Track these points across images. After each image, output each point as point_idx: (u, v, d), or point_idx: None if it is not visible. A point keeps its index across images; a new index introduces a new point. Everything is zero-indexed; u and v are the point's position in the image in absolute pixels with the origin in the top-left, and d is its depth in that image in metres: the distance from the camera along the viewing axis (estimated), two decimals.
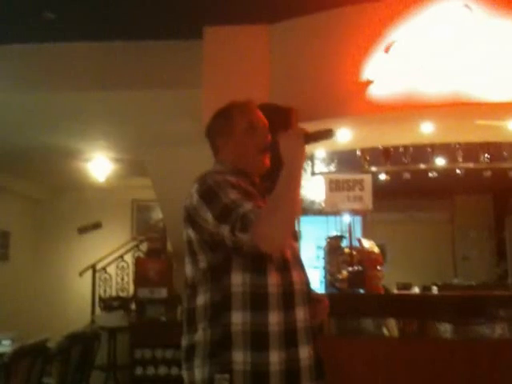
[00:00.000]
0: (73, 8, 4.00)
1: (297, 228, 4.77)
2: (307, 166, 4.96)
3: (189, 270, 1.69)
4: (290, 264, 1.67)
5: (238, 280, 1.58)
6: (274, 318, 1.57)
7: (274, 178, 1.66)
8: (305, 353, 1.62)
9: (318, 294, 1.87)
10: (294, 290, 1.64)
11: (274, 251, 1.59)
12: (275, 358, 1.55)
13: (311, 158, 5.04)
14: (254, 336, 1.55)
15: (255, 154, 1.78)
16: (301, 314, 1.64)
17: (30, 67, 4.56)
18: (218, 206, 1.57)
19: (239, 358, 1.53)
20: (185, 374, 1.64)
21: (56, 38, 4.38)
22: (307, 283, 1.73)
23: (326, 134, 1.70)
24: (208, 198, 1.61)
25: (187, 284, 1.69)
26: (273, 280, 1.60)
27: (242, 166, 1.77)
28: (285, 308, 1.61)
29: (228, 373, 1.52)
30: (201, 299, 1.62)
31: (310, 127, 3.85)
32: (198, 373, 1.58)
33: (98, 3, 3.96)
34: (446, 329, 3.71)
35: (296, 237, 1.86)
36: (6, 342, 4.97)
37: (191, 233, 1.66)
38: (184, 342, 1.66)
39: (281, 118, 3.57)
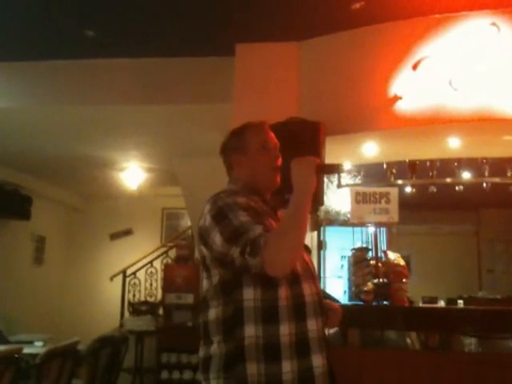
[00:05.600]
0: (111, 26, 4.15)
1: (321, 238, 4.85)
2: (333, 178, 5.00)
3: (204, 284, 1.76)
4: (301, 277, 1.71)
5: (249, 295, 1.64)
6: (285, 330, 1.62)
7: (284, 193, 1.76)
8: (318, 361, 1.66)
9: (330, 303, 1.95)
10: (304, 302, 1.69)
11: (281, 275, 1.62)
12: (288, 367, 1.60)
13: None
14: (267, 348, 1.60)
15: (267, 171, 1.86)
16: (313, 324, 1.69)
17: (70, 82, 4.72)
18: (227, 229, 1.63)
19: (253, 370, 1.59)
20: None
21: (95, 55, 4.54)
22: (319, 294, 1.78)
23: (337, 169, 1.84)
24: (218, 220, 1.67)
25: (202, 298, 1.77)
26: (282, 293, 1.65)
27: (254, 184, 1.85)
28: (296, 319, 1.65)
29: None
30: (212, 313, 1.69)
31: (337, 141, 3.93)
32: None
33: (134, 22, 4.11)
34: (471, 342, 3.71)
35: (309, 250, 1.94)
36: (39, 344, 5.09)
37: (204, 250, 1.74)
38: (201, 353, 1.73)
39: (309, 132, 3.66)
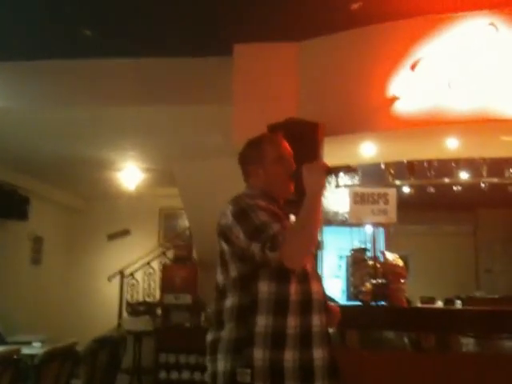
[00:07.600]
0: (110, 27, 4.16)
1: (319, 238, 4.84)
2: (331, 178, 5.00)
3: (220, 277, 1.91)
4: (310, 276, 1.89)
5: (264, 288, 1.80)
6: (292, 322, 1.79)
7: (298, 204, 1.85)
8: (319, 354, 1.82)
9: (330, 305, 2.05)
10: (312, 299, 1.86)
11: (297, 267, 1.81)
12: (290, 356, 1.76)
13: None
14: (274, 337, 1.77)
15: (282, 180, 2.00)
16: (317, 320, 1.86)
17: (69, 82, 4.71)
18: (249, 227, 1.80)
19: (259, 355, 1.75)
20: (208, 365, 1.87)
21: (94, 55, 4.53)
22: (324, 294, 1.96)
23: (346, 169, 1.93)
24: (241, 219, 1.83)
25: (217, 289, 1.92)
26: (293, 289, 1.82)
27: (269, 191, 1.99)
28: (302, 314, 1.82)
29: (250, 368, 1.74)
30: (228, 302, 1.84)
31: (336, 142, 3.93)
32: (221, 365, 1.80)
33: (133, 23, 4.12)
34: (469, 343, 3.71)
35: (314, 254, 2.10)
36: (37, 344, 5.07)
37: (224, 246, 1.89)
38: (209, 336, 1.89)
39: (308, 133, 3.66)
